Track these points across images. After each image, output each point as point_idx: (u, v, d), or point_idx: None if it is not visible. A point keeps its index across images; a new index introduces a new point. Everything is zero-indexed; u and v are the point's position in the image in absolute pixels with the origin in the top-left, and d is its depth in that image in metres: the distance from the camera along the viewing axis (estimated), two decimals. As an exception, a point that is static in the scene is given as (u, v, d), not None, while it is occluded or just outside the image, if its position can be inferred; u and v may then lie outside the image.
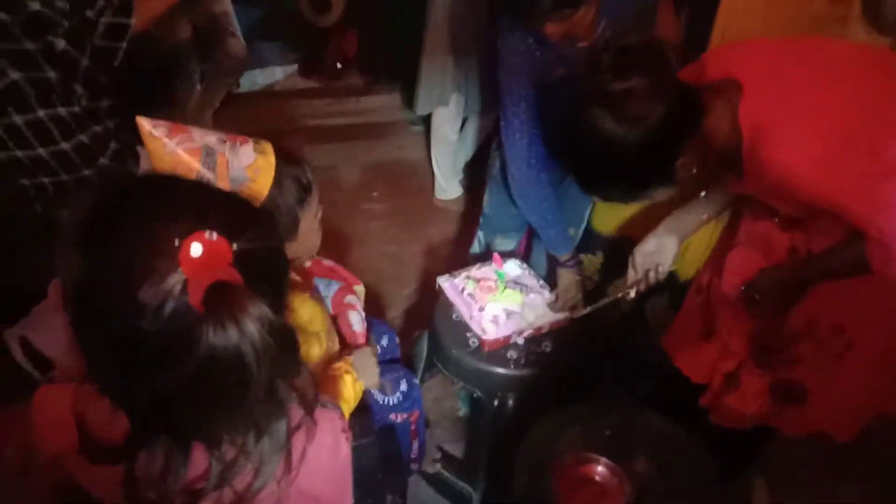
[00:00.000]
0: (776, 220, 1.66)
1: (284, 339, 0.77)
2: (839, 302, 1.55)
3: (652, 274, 1.72)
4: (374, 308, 2.72)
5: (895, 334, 1.51)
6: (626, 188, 1.46)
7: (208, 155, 1.12)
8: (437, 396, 2.18)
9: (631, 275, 1.74)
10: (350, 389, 1.39)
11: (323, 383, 1.36)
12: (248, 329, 0.70)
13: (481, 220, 2.27)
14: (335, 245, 3.05)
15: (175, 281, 0.69)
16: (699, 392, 1.83)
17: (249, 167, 1.15)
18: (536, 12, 1.54)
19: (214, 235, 0.71)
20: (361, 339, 1.62)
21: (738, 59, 1.47)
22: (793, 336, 1.64)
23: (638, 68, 1.29)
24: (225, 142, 1.17)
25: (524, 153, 1.82)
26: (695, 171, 1.40)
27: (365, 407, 1.55)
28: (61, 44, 1.58)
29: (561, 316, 1.81)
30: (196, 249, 0.70)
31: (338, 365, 1.42)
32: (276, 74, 4.10)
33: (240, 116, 3.86)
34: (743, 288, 1.69)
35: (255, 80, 4.02)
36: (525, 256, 2.21)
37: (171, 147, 1.10)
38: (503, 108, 1.83)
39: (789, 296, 1.62)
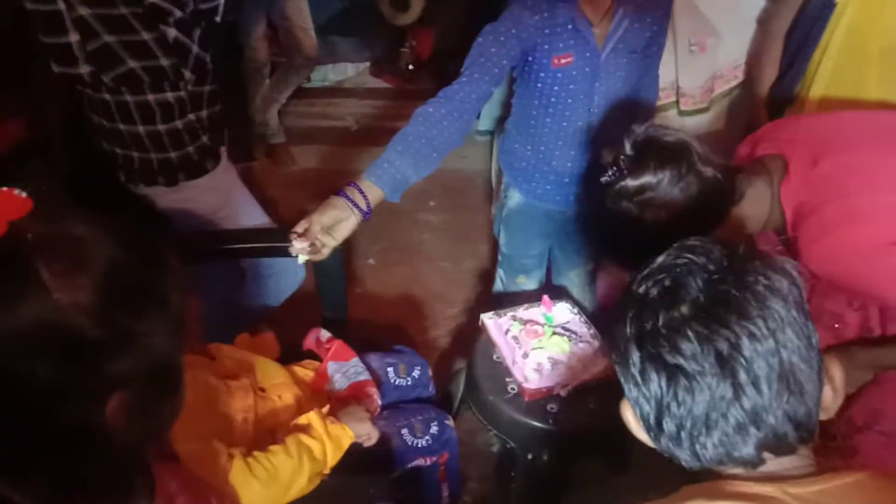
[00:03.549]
0: (849, 296, 1.55)
1: None
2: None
3: None
4: (419, 326, 2.68)
5: None
6: None
7: None
8: (470, 429, 2.13)
9: None
10: (316, 443, 1.35)
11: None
12: None
13: (499, 258, 2.17)
14: (387, 254, 3.03)
15: None
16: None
17: None
18: None
19: None
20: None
21: (788, 134, 1.39)
22: (854, 425, 1.52)
23: (653, 168, 1.27)
24: None
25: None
26: None
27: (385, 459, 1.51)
28: (173, 32, 1.66)
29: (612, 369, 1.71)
30: None
31: (303, 416, 1.40)
32: (347, 71, 4.10)
33: (307, 112, 3.87)
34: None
35: (326, 75, 4.03)
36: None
37: None
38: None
39: (856, 380, 1.50)
